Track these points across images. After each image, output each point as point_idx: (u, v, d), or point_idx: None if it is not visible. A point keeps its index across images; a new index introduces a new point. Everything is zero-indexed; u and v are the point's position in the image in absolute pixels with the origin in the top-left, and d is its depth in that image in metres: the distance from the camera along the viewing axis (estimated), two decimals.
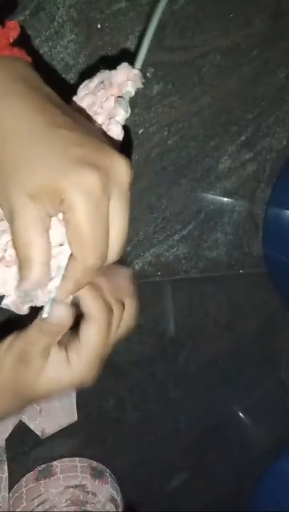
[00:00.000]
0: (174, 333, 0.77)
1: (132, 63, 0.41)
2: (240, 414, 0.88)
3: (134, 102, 0.63)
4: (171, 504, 0.89)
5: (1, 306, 0.37)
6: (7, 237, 0.35)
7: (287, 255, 0.73)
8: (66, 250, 0.33)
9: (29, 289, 0.33)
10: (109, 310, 0.37)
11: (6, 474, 0.68)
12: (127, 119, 0.40)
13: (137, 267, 0.70)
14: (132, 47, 0.61)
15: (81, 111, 0.39)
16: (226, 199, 0.72)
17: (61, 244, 0.33)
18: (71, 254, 0.32)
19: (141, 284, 0.71)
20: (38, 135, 0.30)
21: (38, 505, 0.67)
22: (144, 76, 0.63)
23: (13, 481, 0.71)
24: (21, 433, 0.71)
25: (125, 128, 0.40)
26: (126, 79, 0.39)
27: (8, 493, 0.69)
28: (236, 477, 0.92)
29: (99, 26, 0.59)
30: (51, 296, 0.35)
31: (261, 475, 0.89)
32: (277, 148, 0.72)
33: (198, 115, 0.67)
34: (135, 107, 0.63)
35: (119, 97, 0.39)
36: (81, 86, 0.41)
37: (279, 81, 0.69)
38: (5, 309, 0.37)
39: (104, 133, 0.38)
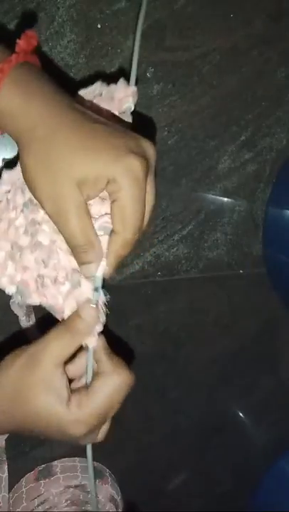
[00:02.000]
0: (174, 333, 0.77)
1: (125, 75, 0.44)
2: (240, 414, 0.88)
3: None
4: (171, 504, 0.89)
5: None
6: (55, 258, 0.39)
7: (287, 255, 0.73)
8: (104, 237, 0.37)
9: (95, 268, 0.37)
10: (129, 377, 0.40)
11: (6, 474, 0.68)
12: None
13: (137, 267, 0.70)
14: (132, 47, 0.61)
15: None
16: (226, 199, 0.72)
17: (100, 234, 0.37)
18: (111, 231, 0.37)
19: (141, 284, 0.71)
20: (80, 128, 0.34)
21: (38, 505, 0.67)
22: (144, 76, 0.63)
23: (13, 481, 0.71)
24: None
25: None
26: (125, 95, 0.42)
27: (8, 493, 0.69)
28: (236, 477, 0.92)
29: (99, 26, 0.59)
30: (97, 280, 0.38)
31: (261, 475, 0.89)
32: (277, 148, 0.72)
33: (198, 115, 0.67)
34: (135, 107, 0.63)
35: (122, 113, 0.42)
36: (79, 93, 0.42)
37: (279, 81, 0.69)
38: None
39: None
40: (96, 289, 0.38)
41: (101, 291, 0.38)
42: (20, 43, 0.37)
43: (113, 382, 0.39)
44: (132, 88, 0.42)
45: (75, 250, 0.36)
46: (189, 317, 0.77)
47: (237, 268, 0.76)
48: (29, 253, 0.38)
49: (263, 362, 0.86)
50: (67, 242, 0.36)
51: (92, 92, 0.42)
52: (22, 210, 0.38)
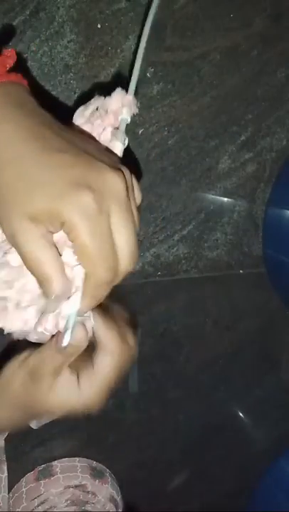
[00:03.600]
0: (174, 333, 0.77)
1: (126, 86, 0.41)
2: (240, 414, 0.88)
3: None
4: (171, 504, 0.89)
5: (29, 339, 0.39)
6: (22, 281, 0.36)
7: (287, 255, 0.73)
8: (81, 271, 0.34)
9: (55, 302, 0.34)
10: (124, 342, 0.39)
11: (6, 474, 0.68)
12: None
13: (137, 267, 0.70)
14: (132, 47, 0.61)
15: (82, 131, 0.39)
16: (226, 199, 0.72)
17: (75, 265, 0.34)
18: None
19: (141, 284, 0.71)
20: (34, 160, 0.32)
21: (38, 505, 0.67)
22: (144, 76, 0.63)
23: (13, 481, 0.71)
24: (21, 433, 0.71)
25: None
26: (120, 105, 0.39)
27: (8, 493, 0.69)
28: (236, 477, 0.92)
29: (99, 26, 0.59)
30: (71, 321, 0.36)
31: (261, 475, 0.89)
32: (277, 149, 0.72)
33: (198, 115, 0.67)
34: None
35: (116, 128, 0.39)
36: (76, 113, 0.40)
37: (279, 81, 0.69)
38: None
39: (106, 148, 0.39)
40: (68, 329, 0.36)
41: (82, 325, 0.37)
42: None
43: (114, 356, 0.39)
44: (128, 97, 0.39)
45: (37, 282, 0.34)
46: (189, 317, 0.77)
47: (237, 268, 0.76)
48: None
49: (263, 362, 0.86)
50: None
51: (89, 109, 0.40)
52: None
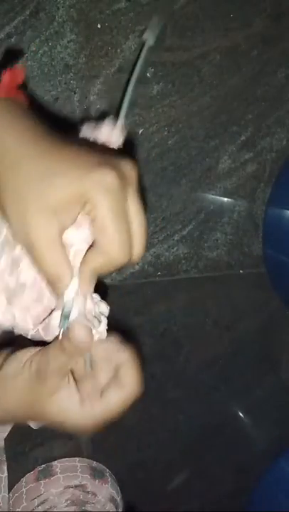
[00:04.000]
0: (174, 333, 0.77)
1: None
2: (240, 414, 0.88)
3: (134, 102, 0.63)
4: (171, 504, 0.89)
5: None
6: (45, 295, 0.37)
7: (287, 255, 0.73)
8: (79, 252, 0.34)
9: (70, 298, 0.35)
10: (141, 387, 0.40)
11: (5, 474, 0.68)
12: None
13: (137, 267, 0.70)
14: (132, 47, 0.61)
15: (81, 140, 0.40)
16: (226, 199, 0.72)
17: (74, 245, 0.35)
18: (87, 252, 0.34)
19: (141, 284, 0.71)
20: (49, 154, 0.33)
21: (38, 505, 0.67)
22: (144, 76, 0.63)
23: (13, 481, 0.71)
24: (21, 433, 0.71)
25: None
26: (109, 137, 0.40)
27: (8, 493, 0.69)
28: (236, 477, 0.92)
29: (99, 26, 0.59)
30: (66, 309, 0.35)
31: (261, 475, 0.89)
32: (277, 149, 0.72)
33: (198, 115, 0.67)
34: (135, 107, 0.63)
35: None
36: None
37: (279, 81, 0.69)
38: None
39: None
40: (65, 316, 0.35)
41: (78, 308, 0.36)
42: (3, 80, 0.36)
43: (126, 393, 0.40)
44: (116, 130, 0.40)
45: (47, 281, 0.34)
46: (189, 317, 0.77)
47: (237, 268, 0.76)
48: (21, 294, 0.37)
49: (263, 362, 0.86)
50: (41, 273, 0.34)
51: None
52: (1, 251, 0.36)
